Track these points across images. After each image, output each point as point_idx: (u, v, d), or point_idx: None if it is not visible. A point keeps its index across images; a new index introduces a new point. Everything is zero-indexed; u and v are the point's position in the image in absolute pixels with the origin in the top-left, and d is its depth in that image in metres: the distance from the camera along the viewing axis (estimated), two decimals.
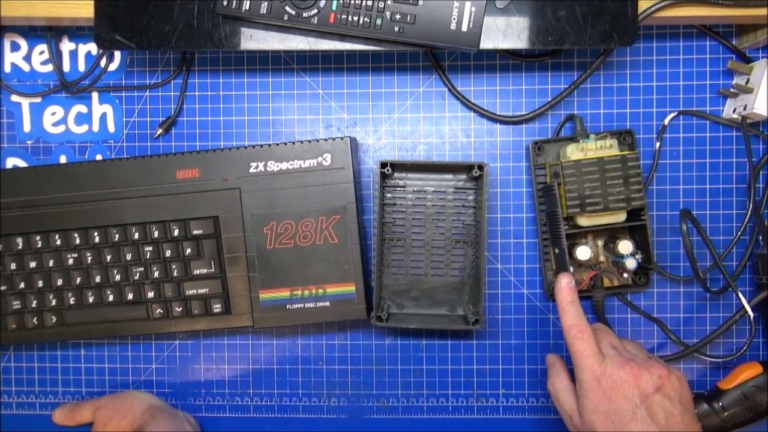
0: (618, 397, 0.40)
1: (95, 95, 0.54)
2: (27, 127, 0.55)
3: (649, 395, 0.40)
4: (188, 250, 0.50)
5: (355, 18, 0.43)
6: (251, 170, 0.49)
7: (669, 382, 0.40)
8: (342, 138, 0.49)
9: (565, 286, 0.43)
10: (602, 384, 0.40)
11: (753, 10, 0.46)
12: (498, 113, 0.52)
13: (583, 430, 0.41)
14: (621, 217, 0.48)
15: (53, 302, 0.51)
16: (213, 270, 0.50)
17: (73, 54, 0.54)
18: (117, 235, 0.50)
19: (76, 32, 0.54)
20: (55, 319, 0.51)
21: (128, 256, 0.50)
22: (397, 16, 0.43)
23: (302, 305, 0.49)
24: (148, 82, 0.54)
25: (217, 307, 0.50)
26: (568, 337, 0.42)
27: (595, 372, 0.41)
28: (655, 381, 0.40)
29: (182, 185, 0.49)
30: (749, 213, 0.50)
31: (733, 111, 0.50)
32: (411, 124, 0.53)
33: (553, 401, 0.45)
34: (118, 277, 0.50)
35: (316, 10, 0.43)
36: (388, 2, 0.43)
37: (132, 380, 0.55)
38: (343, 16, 0.43)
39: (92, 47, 0.54)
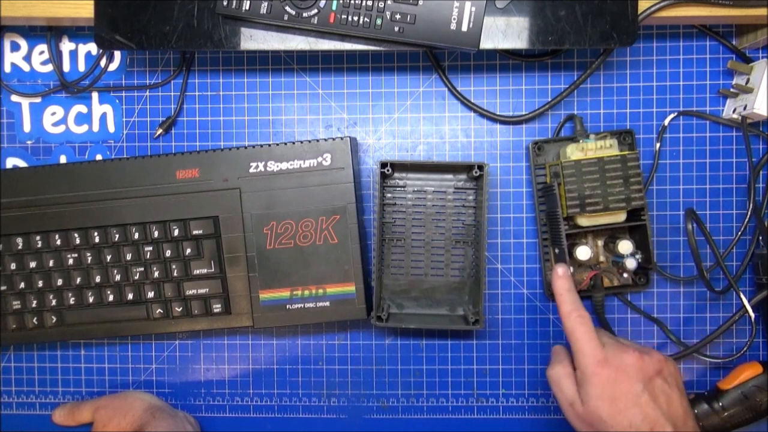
0: (622, 381, 0.40)
1: (95, 95, 0.55)
2: (27, 127, 0.55)
3: (652, 379, 0.40)
4: (188, 250, 0.50)
5: (355, 18, 0.43)
6: (251, 170, 0.49)
7: (666, 366, 0.41)
8: (342, 138, 0.49)
9: (562, 274, 0.45)
10: (606, 368, 0.40)
11: (753, 10, 0.46)
12: (498, 113, 0.52)
13: (585, 417, 0.41)
14: (621, 217, 0.48)
15: (53, 302, 0.51)
16: (213, 270, 0.50)
17: (73, 54, 0.54)
18: (117, 235, 0.50)
19: (76, 32, 0.54)
20: (55, 319, 0.51)
21: (128, 256, 0.50)
22: (397, 16, 0.43)
23: (302, 305, 0.49)
24: (148, 82, 0.54)
25: (217, 307, 0.50)
26: (569, 322, 0.42)
27: (598, 356, 0.41)
28: (656, 365, 0.41)
29: (182, 185, 0.49)
30: (749, 213, 0.50)
31: (733, 111, 0.50)
32: (411, 124, 0.53)
33: (553, 388, 0.44)
34: (118, 277, 0.50)
35: (316, 10, 0.43)
36: (388, 2, 0.43)
37: (132, 380, 0.55)
38: (343, 16, 0.43)
39: (92, 47, 0.54)
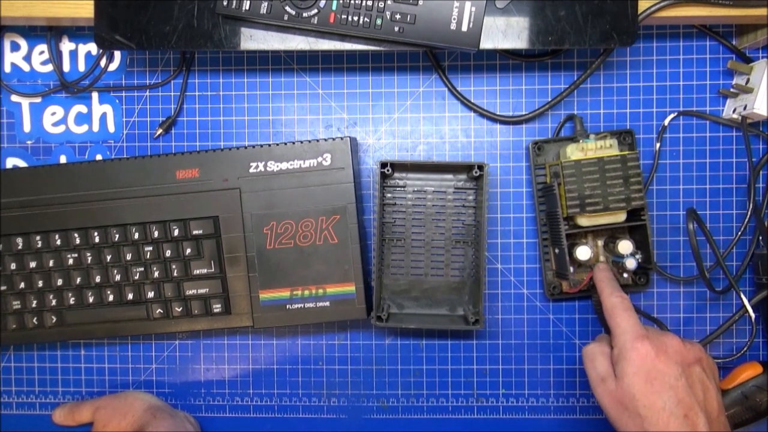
0: (661, 360, 0.39)
1: (95, 95, 0.55)
2: (27, 127, 0.55)
3: (690, 365, 0.39)
4: (188, 250, 0.50)
5: (355, 18, 0.43)
6: (251, 170, 0.49)
7: (706, 357, 0.41)
8: (342, 138, 0.49)
9: (603, 268, 0.48)
10: (645, 344, 0.39)
11: (753, 10, 0.46)
12: (498, 113, 0.52)
13: (617, 394, 0.39)
14: (621, 217, 0.48)
15: (53, 302, 0.51)
16: (213, 270, 0.50)
17: (73, 54, 0.54)
18: (117, 235, 0.50)
19: (76, 32, 0.54)
20: (55, 319, 0.51)
21: (128, 256, 0.50)
22: (397, 16, 0.43)
23: (302, 305, 0.49)
24: (148, 82, 0.54)
25: (217, 307, 0.50)
26: (609, 301, 0.43)
27: (638, 332, 0.40)
28: (696, 353, 0.40)
29: (182, 185, 0.49)
30: (749, 213, 0.50)
31: (733, 111, 0.50)
32: (411, 124, 0.53)
33: (586, 364, 0.43)
34: (118, 277, 0.50)
35: (316, 10, 0.43)
36: (388, 2, 0.43)
37: (132, 380, 0.55)
38: (343, 16, 0.43)
39: (92, 47, 0.54)
